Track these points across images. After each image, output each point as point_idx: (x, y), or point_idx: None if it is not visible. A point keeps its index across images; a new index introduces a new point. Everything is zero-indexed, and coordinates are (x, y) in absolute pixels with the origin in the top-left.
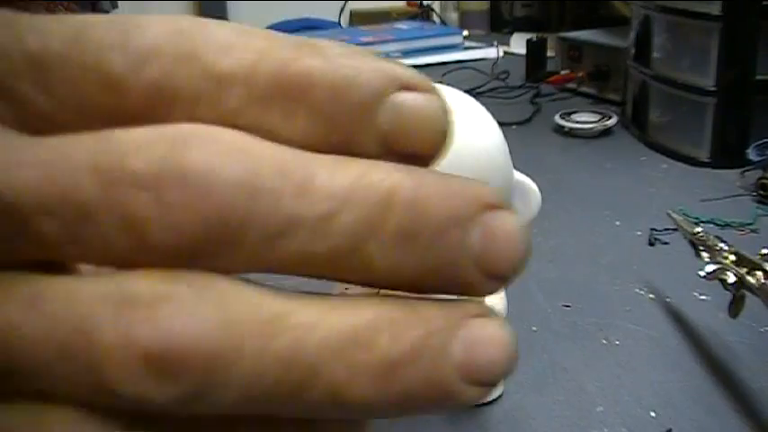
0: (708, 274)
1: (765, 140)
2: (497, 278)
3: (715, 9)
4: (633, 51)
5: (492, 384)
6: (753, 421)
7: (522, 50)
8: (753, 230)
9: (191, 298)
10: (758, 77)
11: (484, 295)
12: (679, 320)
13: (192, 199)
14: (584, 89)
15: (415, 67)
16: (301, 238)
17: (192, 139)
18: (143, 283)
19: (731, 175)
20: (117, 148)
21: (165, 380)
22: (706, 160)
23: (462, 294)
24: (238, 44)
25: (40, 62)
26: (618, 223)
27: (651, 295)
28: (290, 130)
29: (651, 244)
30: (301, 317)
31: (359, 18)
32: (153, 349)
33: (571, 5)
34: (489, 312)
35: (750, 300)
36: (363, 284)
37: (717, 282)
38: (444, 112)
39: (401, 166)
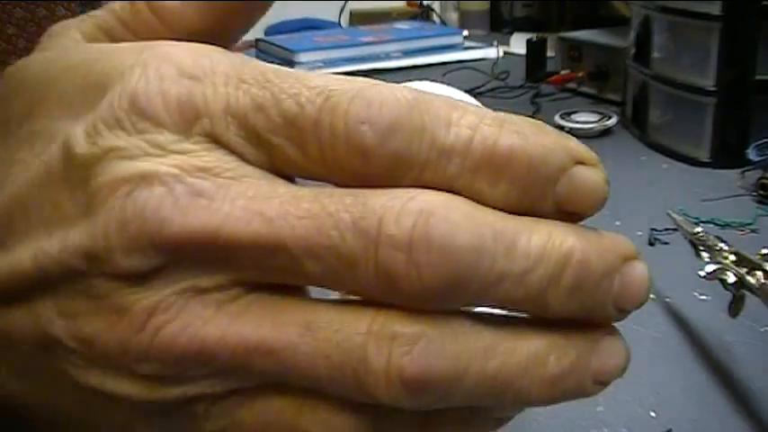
0: (708, 274)
1: (765, 140)
2: (625, 312)
3: (715, 9)
4: (633, 51)
5: (609, 384)
6: (753, 421)
7: (522, 50)
8: (753, 230)
9: (435, 336)
10: (758, 77)
11: (612, 322)
12: (679, 320)
13: (436, 260)
14: (584, 89)
15: (415, 67)
16: (506, 287)
17: (435, 211)
18: (401, 324)
19: (731, 175)
20: (374, 213)
21: (415, 395)
22: (706, 160)
23: (597, 321)
24: (456, 119)
25: (294, 122)
26: (618, 223)
27: (651, 295)
28: (494, 195)
29: (651, 244)
30: (504, 345)
31: (359, 18)
32: (410, 376)
33: (571, 5)
34: (614, 331)
35: (750, 300)
36: (533, 315)
37: (717, 282)
38: (606, 182)
39: (571, 228)
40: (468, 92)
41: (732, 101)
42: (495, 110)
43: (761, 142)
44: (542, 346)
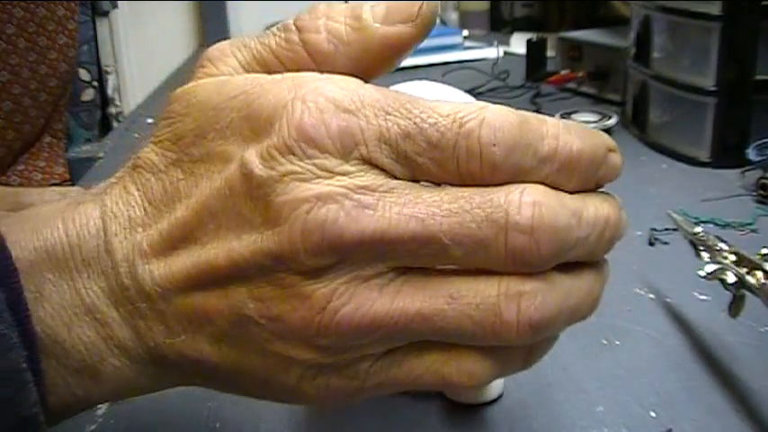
0: (708, 274)
1: (765, 140)
2: None
3: (715, 9)
4: (633, 51)
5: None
6: (753, 421)
7: (522, 50)
8: (753, 230)
9: (546, 289)
10: (758, 77)
11: None
12: (679, 320)
13: (548, 237)
14: (584, 89)
15: (415, 67)
16: (577, 249)
17: (541, 201)
18: (523, 285)
19: (731, 175)
20: (500, 207)
21: (537, 334)
22: (706, 160)
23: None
24: (545, 132)
25: (437, 146)
26: None
27: (651, 295)
28: (567, 185)
29: (651, 244)
30: (574, 286)
31: None
32: (536, 321)
33: (571, 5)
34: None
35: (750, 300)
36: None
37: (717, 282)
38: (622, 161)
39: (601, 196)
40: (469, 92)
41: (732, 101)
42: None
43: (761, 142)
44: (591, 281)
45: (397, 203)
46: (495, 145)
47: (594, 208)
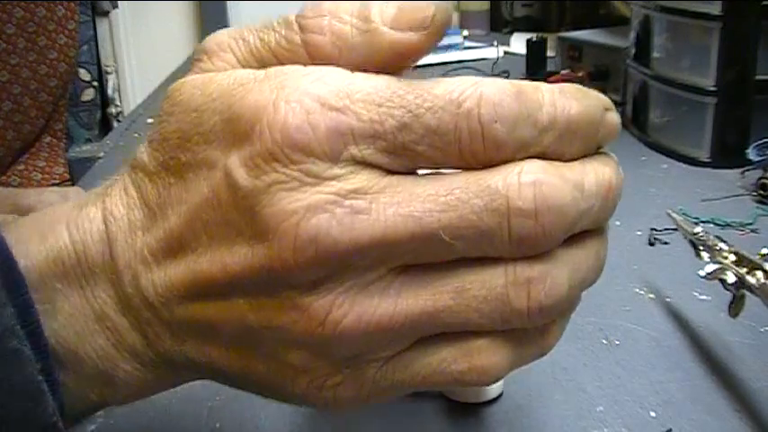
0: (708, 274)
1: (765, 140)
2: None
3: (715, 9)
4: (633, 51)
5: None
6: (753, 421)
7: (522, 50)
8: (753, 230)
9: (552, 270)
10: (758, 77)
11: None
12: (679, 320)
13: (554, 218)
14: None
15: (415, 67)
16: (583, 221)
17: (542, 179)
18: (530, 270)
19: (731, 175)
20: (499, 193)
21: (550, 317)
22: (706, 160)
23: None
24: (542, 99)
25: (436, 131)
26: (618, 223)
27: (651, 295)
28: (569, 153)
29: (651, 244)
30: (578, 258)
31: None
32: (547, 306)
33: (571, 5)
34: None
35: (750, 300)
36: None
37: (717, 282)
38: (618, 117)
39: (601, 160)
40: None
41: (732, 101)
42: None
43: (761, 142)
44: (597, 246)
45: (392, 203)
46: (496, 122)
47: (595, 174)
